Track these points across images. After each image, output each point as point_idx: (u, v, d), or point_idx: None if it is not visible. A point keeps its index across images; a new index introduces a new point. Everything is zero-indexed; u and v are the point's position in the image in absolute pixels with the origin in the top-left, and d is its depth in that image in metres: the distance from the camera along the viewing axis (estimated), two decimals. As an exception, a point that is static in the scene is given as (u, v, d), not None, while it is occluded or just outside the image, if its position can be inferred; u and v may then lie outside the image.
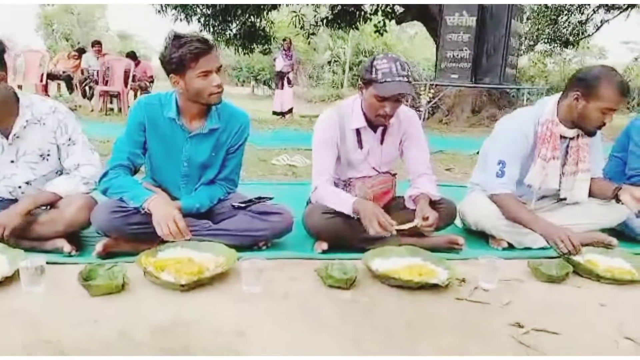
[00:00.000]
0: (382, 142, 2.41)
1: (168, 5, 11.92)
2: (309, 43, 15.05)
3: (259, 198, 2.30)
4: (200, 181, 2.30)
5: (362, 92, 2.26)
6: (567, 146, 2.46)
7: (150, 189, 2.14)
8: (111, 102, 9.47)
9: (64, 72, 10.07)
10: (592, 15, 18.84)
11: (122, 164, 2.15)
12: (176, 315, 1.62)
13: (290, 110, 10.79)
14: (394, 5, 13.11)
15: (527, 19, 20.35)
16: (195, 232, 2.13)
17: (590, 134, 2.38)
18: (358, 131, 2.36)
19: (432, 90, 8.95)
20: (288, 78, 10.67)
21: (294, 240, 2.37)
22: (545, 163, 2.39)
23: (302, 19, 13.88)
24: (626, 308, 1.83)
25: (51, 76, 10.10)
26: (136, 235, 2.04)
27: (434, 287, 1.88)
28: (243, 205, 2.23)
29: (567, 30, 19.31)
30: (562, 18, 18.98)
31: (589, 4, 18.10)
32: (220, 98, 2.13)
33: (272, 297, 1.79)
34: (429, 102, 8.95)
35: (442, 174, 4.75)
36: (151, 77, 10.36)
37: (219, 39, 13.81)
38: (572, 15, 18.95)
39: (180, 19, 12.37)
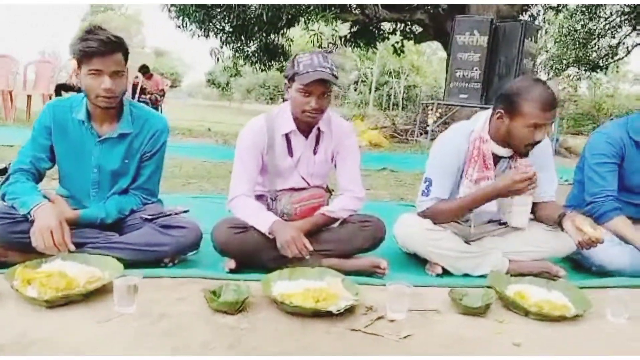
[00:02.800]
0: (315, 151, 2.26)
1: (187, 17, 12.02)
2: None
3: (173, 211, 2.17)
4: (113, 190, 2.18)
5: (288, 91, 2.14)
6: (509, 167, 2.24)
7: (50, 197, 2.03)
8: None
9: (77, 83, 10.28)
10: (624, 38, 18.30)
11: (24, 169, 2.05)
12: (21, 333, 1.48)
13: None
14: (412, 25, 12.99)
15: (555, 42, 19.98)
16: (94, 245, 2.02)
17: (522, 154, 2.15)
18: (288, 137, 2.22)
19: (439, 110, 8.71)
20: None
21: (211, 257, 2.22)
22: (472, 184, 2.18)
23: (320, 37, 13.88)
24: (542, 349, 1.61)
25: (67, 87, 10.29)
26: (25, 244, 1.91)
27: (330, 314, 1.70)
28: (150, 217, 2.10)
29: (596, 53, 18.79)
30: (592, 41, 18.48)
31: (620, 27, 17.59)
32: (108, 103, 2.03)
33: (142, 318, 1.63)
34: (435, 121, 8.72)
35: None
36: (162, 90, 10.48)
37: (238, 55, 13.96)
38: (603, 38, 18.45)
39: (198, 35, 12.52)
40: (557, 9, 14.47)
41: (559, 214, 2.12)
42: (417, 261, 2.36)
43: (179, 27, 12.54)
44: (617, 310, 1.84)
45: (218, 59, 14.00)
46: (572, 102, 25.54)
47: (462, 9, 9.63)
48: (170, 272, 2.00)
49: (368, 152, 8.49)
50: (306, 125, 2.18)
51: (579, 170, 2.59)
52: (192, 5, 11.34)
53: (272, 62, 14.36)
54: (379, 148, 9.06)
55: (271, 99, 38.45)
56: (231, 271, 2.07)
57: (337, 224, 2.25)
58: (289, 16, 11.77)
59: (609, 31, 17.96)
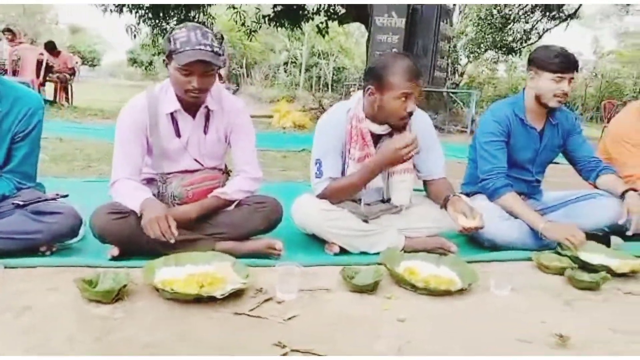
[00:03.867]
0: (205, 131, 2.15)
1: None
2: (250, 40, 14.69)
3: (54, 195, 2.01)
4: (-19, 175, 1.99)
5: (168, 68, 2.00)
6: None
7: None
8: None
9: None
10: (536, 23, 19.24)
11: None
12: None
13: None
14: (335, 5, 12.96)
15: (474, 25, 20.71)
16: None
17: (398, 128, 2.18)
18: (174, 117, 2.10)
19: (360, 91, 8.78)
20: (219, 74, 10.32)
21: (98, 244, 2.07)
22: (356, 163, 2.20)
23: (243, 15, 13.55)
24: (425, 323, 1.63)
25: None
26: None
27: (213, 299, 1.63)
28: (22, 203, 1.92)
29: (511, 37, 19.67)
30: (507, 26, 19.30)
31: (532, 12, 18.47)
32: None
33: (4, 312, 1.49)
34: (357, 102, 8.78)
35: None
36: (72, 68, 9.82)
37: (156, 32, 13.34)
38: (517, 23, 19.31)
39: (111, 10, 11.82)
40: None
41: (444, 198, 2.17)
42: (317, 241, 2.34)
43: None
44: (500, 283, 1.90)
45: (135, 36, 13.33)
46: (491, 85, 26.73)
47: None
48: (43, 261, 1.85)
49: (293, 133, 8.45)
50: (191, 105, 2.07)
51: (472, 149, 2.66)
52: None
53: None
54: (303, 129, 9.03)
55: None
56: (114, 258, 1.95)
57: (232, 206, 2.18)
58: (209, -8, 11.37)
59: (523, 16, 18.82)
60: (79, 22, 44.87)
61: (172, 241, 1.83)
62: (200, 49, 1.89)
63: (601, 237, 2.48)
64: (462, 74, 24.92)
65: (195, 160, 2.16)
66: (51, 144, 4.78)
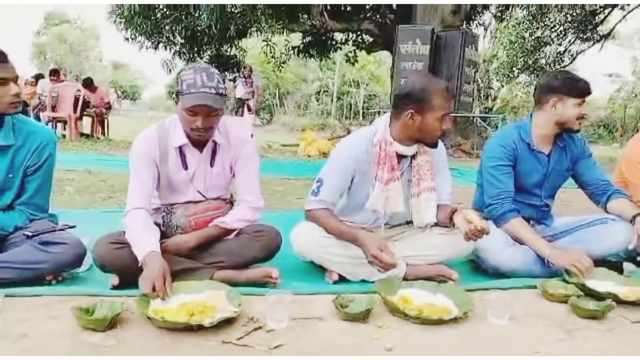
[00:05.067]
0: (212, 164, 2.22)
1: (135, 29, 11.83)
2: (280, 71, 14.99)
3: (61, 226, 2.10)
4: (-5, 207, 2.10)
5: (177, 106, 2.08)
6: (410, 166, 2.29)
7: None
8: (64, 129, 9.32)
9: (19, 98, 9.94)
10: (569, 45, 18.95)
11: None
12: None
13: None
14: (362, 34, 13.14)
15: (505, 49, 20.56)
16: (-30, 264, 1.92)
17: (433, 145, 2.24)
18: (182, 150, 2.17)
19: (386, 118, 8.80)
20: (248, 105, 10.58)
21: (103, 273, 2.14)
22: (383, 186, 2.21)
23: (273, 47, 13.89)
24: (414, 352, 1.61)
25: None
26: None
27: (204, 328, 1.66)
28: (31, 234, 2.02)
29: (544, 60, 19.40)
30: (540, 49, 19.06)
31: (565, 35, 18.22)
32: (17, 107, 2.02)
33: (3, 339, 1.56)
34: (382, 129, 8.79)
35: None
36: (108, 103, 10.24)
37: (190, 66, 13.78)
38: (550, 45, 19.06)
39: (147, 47, 12.33)
40: (501, 17, 14.91)
41: (450, 210, 2.16)
42: (318, 269, 2.34)
43: (127, 39, 12.36)
44: (497, 311, 1.86)
45: (170, 71, 13.82)
46: (526, 108, 26.30)
47: (409, 19, 9.80)
48: (46, 290, 1.93)
49: (317, 161, 8.53)
50: (198, 141, 2.14)
51: (479, 174, 2.64)
52: (139, 16, 11.14)
53: (226, 72, 14.26)
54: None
55: (234, 110, 38.32)
56: (114, 287, 2.01)
57: (233, 235, 2.22)
58: (240, 27, 11.72)
59: (555, 38, 18.57)
60: (121, 59, 46.66)
61: (165, 299, 1.81)
62: (204, 92, 1.95)
63: (613, 263, 2.41)
64: (495, 98, 24.64)
65: (199, 192, 2.22)
66: (79, 176, 4.98)
